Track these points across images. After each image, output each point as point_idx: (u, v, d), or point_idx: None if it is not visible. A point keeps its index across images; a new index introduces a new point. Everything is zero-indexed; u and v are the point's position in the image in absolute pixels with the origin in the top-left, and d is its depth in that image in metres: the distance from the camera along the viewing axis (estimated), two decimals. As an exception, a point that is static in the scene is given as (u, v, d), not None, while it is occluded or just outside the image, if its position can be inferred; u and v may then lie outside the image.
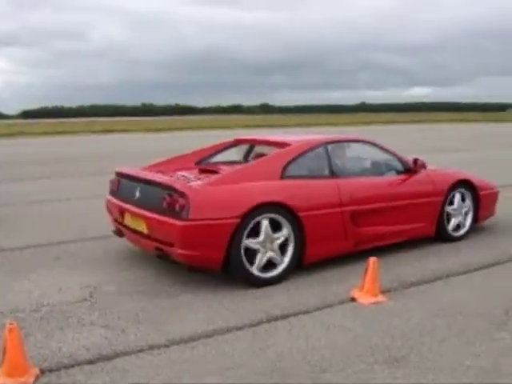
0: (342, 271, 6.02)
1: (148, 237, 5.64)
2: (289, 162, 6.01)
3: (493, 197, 8.02)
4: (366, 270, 5.17)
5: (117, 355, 4.03)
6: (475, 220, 7.65)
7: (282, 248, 5.65)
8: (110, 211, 6.65)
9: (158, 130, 48.33)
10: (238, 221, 5.27)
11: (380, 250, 6.52)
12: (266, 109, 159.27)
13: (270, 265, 5.59)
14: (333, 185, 6.16)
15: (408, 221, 6.83)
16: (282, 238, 5.61)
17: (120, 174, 6.55)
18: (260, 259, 5.49)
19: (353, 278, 5.66)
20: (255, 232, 5.45)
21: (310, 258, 5.91)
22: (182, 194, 5.22)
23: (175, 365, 3.89)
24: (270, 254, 5.53)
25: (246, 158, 7.28)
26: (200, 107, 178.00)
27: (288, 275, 5.73)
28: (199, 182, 5.64)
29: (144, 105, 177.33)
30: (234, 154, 7.56)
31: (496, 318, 4.75)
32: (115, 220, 6.47)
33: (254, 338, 4.33)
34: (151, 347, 4.16)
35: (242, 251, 5.37)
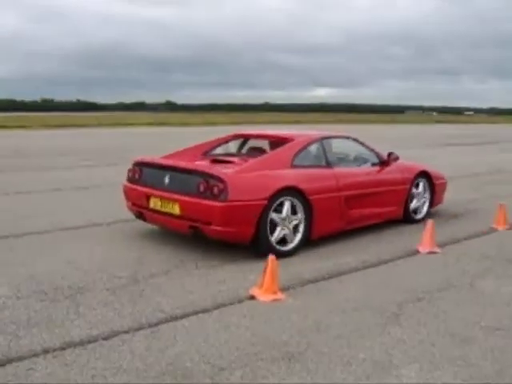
0: (241, 270, 6.04)
1: (181, 217, 6.44)
2: (296, 154, 7.13)
3: (443, 186, 9.50)
4: (265, 268, 5.21)
5: (10, 361, 3.85)
6: (430, 205, 9.03)
7: (294, 229, 6.68)
8: (129, 197, 7.44)
9: (57, 126, 46.55)
10: (265, 202, 6.28)
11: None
12: (170, 106, 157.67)
13: (282, 241, 6.60)
14: (330, 173, 7.33)
15: (384, 204, 8.12)
16: (297, 221, 6.68)
17: (141, 164, 7.34)
18: (278, 233, 6.51)
19: (252, 276, 5.69)
20: (278, 211, 6.50)
21: (315, 235, 6.97)
22: (220, 180, 6.13)
23: (70, 368, 3.76)
24: (285, 231, 6.58)
25: (239, 150, 8.38)
26: (102, 103, 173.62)
27: (296, 251, 6.71)
28: (232, 170, 6.56)
29: (44, 100, 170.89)
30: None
31: (389, 312, 4.92)
32: (135, 204, 7.27)
33: (153, 339, 4.26)
34: (46, 351, 4.01)
35: (268, 226, 6.36)
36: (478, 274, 6.13)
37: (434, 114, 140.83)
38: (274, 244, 6.49)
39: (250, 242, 6.42)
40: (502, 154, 23.19)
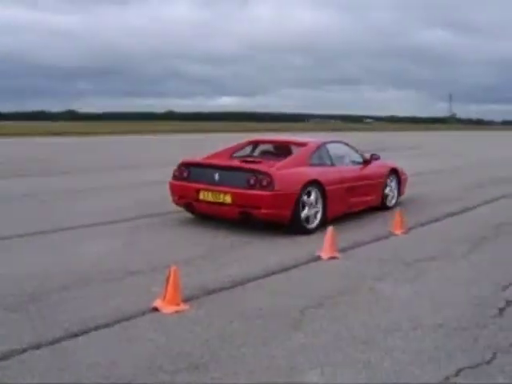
0: (143, 282, 5.93)
1: (232, 205, 8.24)
2: (311, 155, 9.28)
3: (406, 180, 12.07)
4: (168, 279, 5.14)
5: None
6: (398, 195, 11.49)
7: (315, 212, 8.71)
8: (176, 192, 9.16)
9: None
10: (299, 191, 8.26)
11: (182, 259, 6.60)
12: (72, 115, 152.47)
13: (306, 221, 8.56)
14: (335, 170, 9.51)
15: (369, 193, 10.35)
16: (317, 209, 8.70)
17: (188, 164, 9.15)
18: (306, 213, 8.46)
19: (155, 288, 5.58)
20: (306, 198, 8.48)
21: (329, 217, 8.91)
22: (268, 175, 8.11)
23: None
24: (310, 213, 8.56)
25: (251, 153, 10.31)
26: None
27: (316, 230, 8.57)
28: (273, 168, 8.41)
29: None
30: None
31: (292, 318, 4.97)
32: (183, 197, 9.00)
33: (53, 357, 4.09)
34: None
35: (300, 210, 8.32)
36: (377, 277, 6.30)
37: (333, 121, 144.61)
38: (304, 223, 8.48)
39: (287, 222, 8.36)
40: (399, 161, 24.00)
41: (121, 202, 11.14)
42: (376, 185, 10.63)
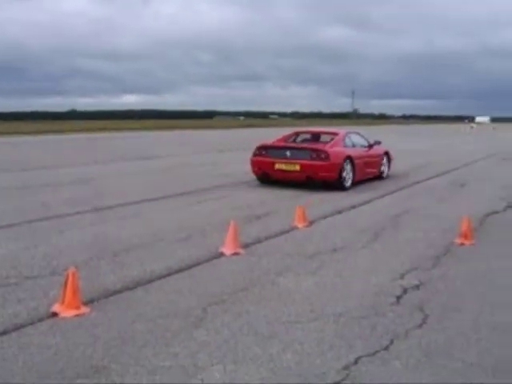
0: (40, 286, 5.71)
1: (300, 172, 12.81)
2: (343, 140, 14.11)
3: (393, 160, 16.64)
4: (66, 282, 4.98)
5: None
6: (388, 169, 16.28)
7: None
8: (256, 165, 13.76)
9: None
10: (342, 162, 12.97)
11: (81, 261, 6.44)
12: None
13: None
14: (356, 150, 14.31)
15: (374, 167, 15.21)
16: (349, 174, 13.37)
17: (264, 146, 13.92)
18: (344, 176, 13.09)
19: (53, 292, 5.42)
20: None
21: (355, 180, 13.61)
22: (325, 152, 12.80)
23: None
24: (347, 176, 13.27)
25: (294, 141, 15.19)
26: None
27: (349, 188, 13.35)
28: (325, 147, 13.23)
29: None
30: None
31: (194, 316, 4.95)
32: (261, 170, 13.64)
33: None
34: None
35: (343, 174, 13.01)
36: (280, 271, 6.38)
37: (241, 118, 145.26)
38: (344, 183, 13.21)
39: (334, 181, 13.03)
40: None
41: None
42: (377, 161, 15.61)
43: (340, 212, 10.32)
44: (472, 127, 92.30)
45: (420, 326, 4.86)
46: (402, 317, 5.05)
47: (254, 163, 13.83)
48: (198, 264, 6.66)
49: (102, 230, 8.47)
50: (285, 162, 13.12)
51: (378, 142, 15.84)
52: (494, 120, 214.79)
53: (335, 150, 13.29)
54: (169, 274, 6.23)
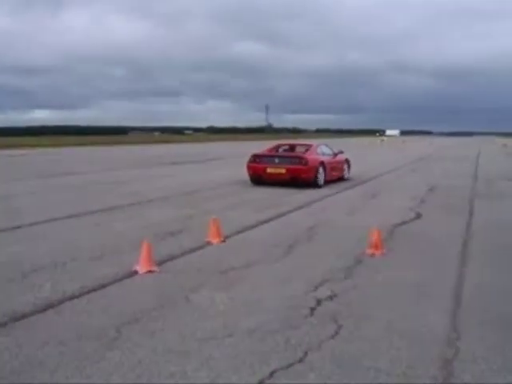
0: None
1: (286, 174, 17.03)
2: (316, 150, 18.71)
3: (351, 166, 21.03)
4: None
5: None
6: (348, 173, 20.67)
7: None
8: (251, 169, 17.73)
9: None
10: (318, 166, 17.55)
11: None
12: None
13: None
14: (325, 157, 18.52)
15: (337, 171, 19.40)
16: (322, 176, 17.78)
17: (257, 156, 18.02)
18: (318, 177, 17.50)
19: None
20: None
21: (325, 181, 18.00)
22: (305, 159, 17.23)
23: None
24: (320, 177, 17.60)
25: (277, 151, 19.36)
26: None
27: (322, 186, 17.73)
28: (305, 155, 17.75)
29: None
30: None
31: (107, 337, 4.85)
32: (256, 173, 17.62)
33: None
34: None
35: (318, 175, 17.53)
36: (194, 288, 6.35)
37: (156, 134, 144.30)
38: (318, 182, 17.31)
39: (311, 181, 17.09)
40: (218, 171, 24.44)
41: None
42: (341, 166, 20.10)
43: (254, 227, 10.38)
44: (382, 140, 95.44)
45: (333, 336, 4.95)
46: (315, 328, 5.13)
47: (249, 168, 18.05)
48: (111, 283, 6.53)
49: (12, 250, 8.17)
50: (274, 167, 17.41)
51: (341, 152, 20.69)
52: (403, 133, 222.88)
53: (312, 157, 17.78)
54: (81, 294, 6.08)
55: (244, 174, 18.48)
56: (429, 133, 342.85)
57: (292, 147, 20.34)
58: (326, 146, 20.15)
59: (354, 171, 21.49)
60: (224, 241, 8.91)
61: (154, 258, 7.26)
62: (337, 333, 5.03)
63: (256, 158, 17.99)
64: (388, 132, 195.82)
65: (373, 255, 8.05)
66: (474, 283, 6.76)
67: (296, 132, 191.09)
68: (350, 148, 43.69)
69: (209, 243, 8.71)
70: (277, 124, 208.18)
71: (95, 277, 6.74)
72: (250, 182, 18.20)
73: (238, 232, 9.76)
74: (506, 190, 18.01)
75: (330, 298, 6.05)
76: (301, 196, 15.33)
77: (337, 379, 4.12)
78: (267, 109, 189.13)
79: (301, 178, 17.11)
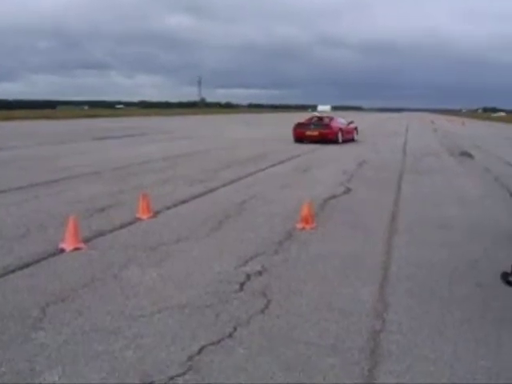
0: None
1: (318, 135, 27.12)
2: (335, 120, 29.23)
3: (358, 131, 31.74)
4: None
5: None
6: (356, 136, 31.03)
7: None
8: (296, 133, 27.93)
9: None
10: (338, 130, 27.87)
11: None
12: None
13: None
14: (342, 125, 29.38)
15: (349, 134, 29.58)
16: (340, 136, 27.98)
17: (299, 124, 28.46)
18: (339, 137, 27.61)
19: None
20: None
21: (342, 140, 27.88)
22: (330, 126, 27.90)
23: None
24: (340, 138, 27.70)
25: (311, 121, 29.72)
26: None
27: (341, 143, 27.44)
28: (330, 123, 28.35)
29: None
30: None
31: (32, 317, 4.70)
32: (299, 135, 27.72)
33: None
34: None
35: (337, 136, 27.73)
36: (123, 264, 6.24)
37: (86, 108, 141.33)
38: (339, 140, 27.27)
39: (334, 140, 26.99)
40: (151, 145, 24.10)
41: None
42: (351, 131, 29.67)
43: (186, 201, 10.29)
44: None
45: (262, 311, 4.97)
46: (245, 303, 5.13)
47: (295, 131, 28.02)
48: (36, 262, 6.33)
49: None
50: (310, 131, 27.49)
51: (351, 122, 31.39)
52: (334, 108, 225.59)
53: (334, 125, 28.10)
54: (6, 274, 5.87)
55: (176, 149, 18.31)
56: (359, 108, 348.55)
57: (320, 118, 30.11)
58: (341, 117, 32.12)
59: (285, 147, 21.55)
60: (155, 216, 8.80)
61: (81, 234, 7.10)
62: (266, 307, 5.05)
63: (299, 125, 28.22)
64: (320, 107, 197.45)
65: (303, 229, 8.12)
66: (400, 255, 6.91)
67: (228, 107, 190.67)
68: (281, 124, 43.95)
69: (139, 219, 8.58)
70: (209, 98, 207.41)
71: (20, 255, 6.53)
72: (179, 157, 17.98)
73: (170, 207, 9.66)
74: (431, 164, 18.49)
75: (260, 272, 6.06)
76: (230, 172, 15.25)
77: (266, 354, 4.13)
78: (199, 83, 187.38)
79: (328, 137, 26.93)
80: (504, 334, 4.59)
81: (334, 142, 26.70)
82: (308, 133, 27.33)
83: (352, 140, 29.26)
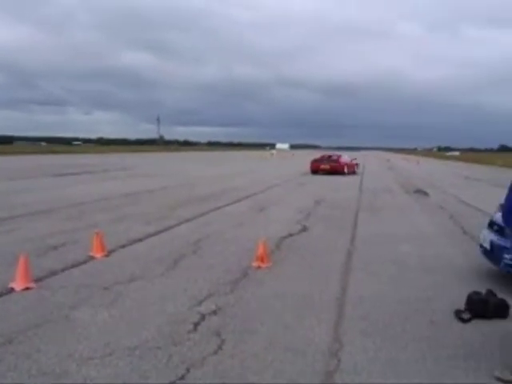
0: None
1: (329, 169, 36.66)
2: (342, 157, 40.04)
3: (358, 166, 42.40)
4: None
5: None
6: (357, 170, 40.89)
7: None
8: (313, 166, 37.50)
9: None
10: (344, 165, 37.61)
11: None
12: None
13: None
14: (348, 161, 39.32)
15: (352, 168, 39.08)
16: (346, 169, 37.66)
17: (315, 159, 38.78)
18: (345, 170, 37.49)
19: None
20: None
21: (348, 173, 37.34)
22: (339, 161, 37.86)
23: None
24: (347, 171, 37.46)
25: (323, 157, 40.18)
26: None
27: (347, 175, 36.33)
28: (340, 160, 38.46)
29: None
30: None
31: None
32: (314, 168, 37.26)
33: None
34: None
35: (345, 169, 37.93)
36: (75, 305, 6.10)
37: (43, 144, 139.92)
38: (344, 172, 36.63)
39: (342, 172, 36.20)
40: (109, 182, 23.91)
41: None
42: (354, 166, 39.28)
43: (140, 240, 10.17)
44: (272, 154, 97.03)
45: (216, 352, 4.89)
46: (198, 344, 5.05)
47: (312, 165, 37.04)
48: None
49: None
50: (323, 165, 36.45)
51: (354, 158, 41.33)
52: (293, 147, 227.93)
53: (341, 160, 37.41)
54: None
55: (132, 187, 18.16)
56: (317, 147, 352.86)
57: (330, 156, 39.61)
58: (346, 155, 42.94)
59: (241, 184, 21.55)
60: (108, 255, 8.66)
61: (32, 273, 6.93)
62: (220, 348, 4.98)
63: (315, 160, 37.89)
64: (278, 146, 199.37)
65: (259, 268, 8.08)
66: (355, 294, 6.92)
67: (187, 144, 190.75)
68: (240, 161, 44.23)
69: (92, 257, 8.43)
70: (168, 136, 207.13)
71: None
72: (137, 194, 17.85)
73: (124, 245, 9.53)
74: (387, 202, 18.73)
75: (214, 312, 5.99)
76: (186, 210, 15.17)
77: (219, 396, 4.06)
78: (158, 121, 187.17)
79: (337, 170, 35.84)
80: (458, 373, 4.61)
81: (341, 173, 35.69)
82: (322, 166, 36.66)
83: (354, 173, 38.15)
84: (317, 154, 50.71)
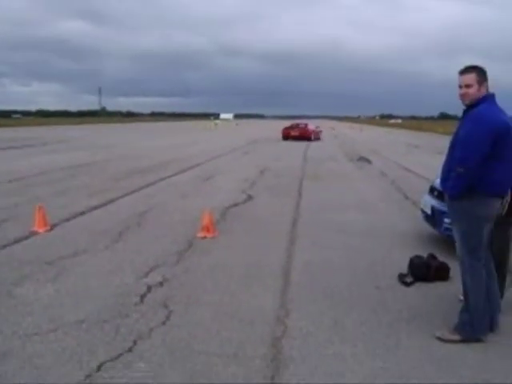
0: None
1: (298, 135, 43.42)
2: (309, 125, 48.43)
3: (321, 133, 49.97)
4: None
5: None
6: (320, 137, 48.05)
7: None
8: (284, 133, 44.53)
9: None
10: (311, 132, 45.04)
11: None
12: None
13: None
14: (314, 129, 47.36)
15: (317, 135, 46.44)
16: (313, 136, 44.67)
17: (286, 127, 45.97)
18: (312, 137, 44.48)
19: None
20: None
21: (313, 139, 43.93)
22: (307, 129, 45.55)
23: None
24: (312, 137, 44.52)
25: (293, 125, 48.11)
26: None
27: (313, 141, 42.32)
28: (307, 127, 46.47)
29: None
30: None
31: None
32: (285, 135, 44.10)
33: None
34: None
35: (311, 135, 45.37)
36: (17, 281, 5.98)
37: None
38: (312, 139, 42.94)
39: (309, 139, 42.57)
40: (51, 155, 23.36)
41: None
42: (319, 133, 46.99)
43: (84, 213, 10.01)
44: (216, 124, 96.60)
45: (164, 322, 4.89)
46: (145, 316, 5.04)
47: (283, 132, 43.79)
48: None
49: None
50: (293, 131, 43.48)
51: (318, 127, 49.85)
52: (237, 116, 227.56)
53: (308, 128, 44.80)
54: None
55: (74, 159, 17.83)
56: (262, 116, 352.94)
57: (298, 124, 47.00)
58: (312, 124, 50.46)
59: (186, 155, 21.44)
60: (51, 229, 8.51)
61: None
62: (167, 319, 4.98)
63: (286, 128, 44.08)
64: (222, 116, 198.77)
65: (204, 238, 8.08)
66: (301, 261, 7.01)
67: (130, 115, 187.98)
68: (184, 132, 44.08)
69: (34, 232, 8.27)
70: (110, 107, 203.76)
71: None
72: (79, 167, 17.54)
73: (67, 219, 9.37)
74: (331, 169, 18.97)
75: (161, 283, 5.97)
76: (130, 182, 15.01)
77: (167, 366, 4.07)
78: (100, 92, 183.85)
79: (304, 136, 41.68)
80: (401, 335, 4.74)
81: (309, 139, 41.13)
82: (292, 133, 43.00)
83: (318, 139, 44.32)
84: (261, 126, 52.93)
